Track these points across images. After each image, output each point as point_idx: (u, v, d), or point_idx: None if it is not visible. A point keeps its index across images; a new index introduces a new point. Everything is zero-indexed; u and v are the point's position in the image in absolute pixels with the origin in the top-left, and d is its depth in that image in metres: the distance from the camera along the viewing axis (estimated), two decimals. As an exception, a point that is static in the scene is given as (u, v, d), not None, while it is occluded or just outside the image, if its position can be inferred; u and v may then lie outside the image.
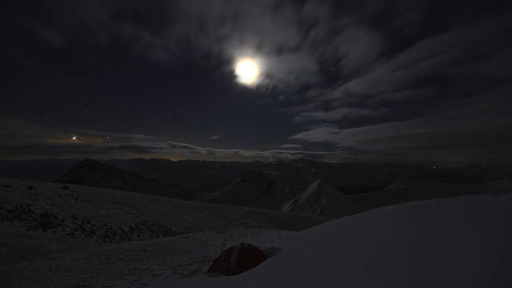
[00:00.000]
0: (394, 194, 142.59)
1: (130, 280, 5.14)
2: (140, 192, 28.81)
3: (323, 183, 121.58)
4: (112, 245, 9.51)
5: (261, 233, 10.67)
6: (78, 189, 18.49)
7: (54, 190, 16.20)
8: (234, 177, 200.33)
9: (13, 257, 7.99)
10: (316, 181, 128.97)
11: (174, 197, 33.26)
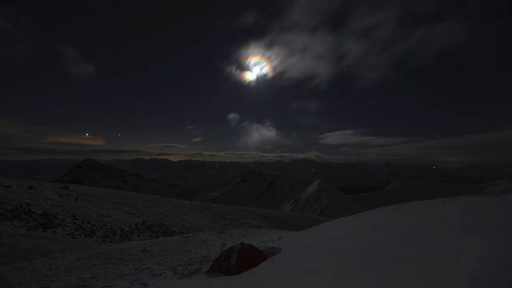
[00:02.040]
0: (394, 194, 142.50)
1: (130, 280, 5.14)
2: (140, 192, 28.79)
3: (323, 183, 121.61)
4: (112, 245, 9.51)
5: (261, 233, 10.67)
6: (78, 189, 18.49)
7: (54, 190, 16.20)
8: (234, 177, 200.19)
9: (13, 257, 7.99)
10: (316, 181, 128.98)
11: (174, 197, 33.25)
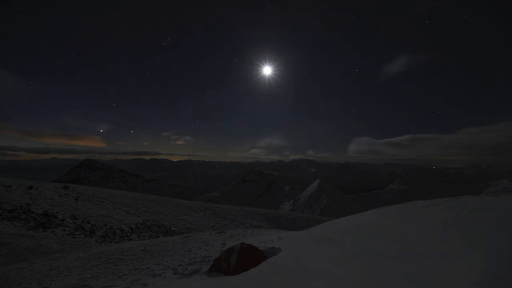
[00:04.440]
0: (394, 194, 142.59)
1: (130, 280, 5.13)
2: (140, 192, 28.77)
3: (323, 183, 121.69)
4: (112, 245, 9.51)
5: (261, 233, 10.67)
6: (78, 189, 18.48)
7: (54, 190, 16.20)
8: (234, 177, 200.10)
9: (13, 257, 7.99)
10: (316, 181, 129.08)
11: (174, 197, 33.25)
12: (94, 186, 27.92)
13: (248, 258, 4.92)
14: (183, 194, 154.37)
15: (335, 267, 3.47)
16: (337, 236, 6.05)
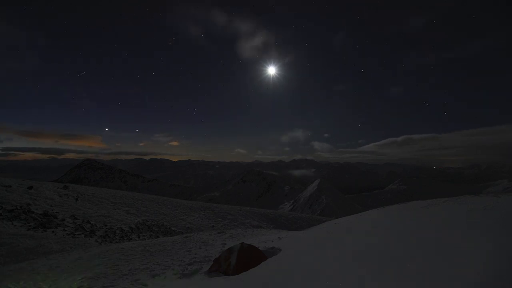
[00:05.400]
0: (394, 194, 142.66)
1: (130, 280, 5.13)
2: (140, 192, 28.77)
3: (323, 183, 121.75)
4: (112, 245, 9.51)
5: (261, 233, 10.67)
6: (78, 189, 18.48)
7: (54, 190, 16.20)
8: (234, 177, 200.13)
9: (13, 257, 7.99)
10: (316, 181, 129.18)
11: (174, 197, 33.24)
12: (94, 186, 27.93)
13: (248, 258, 4.92)
14: (183, 194, 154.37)
15: (335, 267, 3.47)
16: (337, 236, 6.05)
